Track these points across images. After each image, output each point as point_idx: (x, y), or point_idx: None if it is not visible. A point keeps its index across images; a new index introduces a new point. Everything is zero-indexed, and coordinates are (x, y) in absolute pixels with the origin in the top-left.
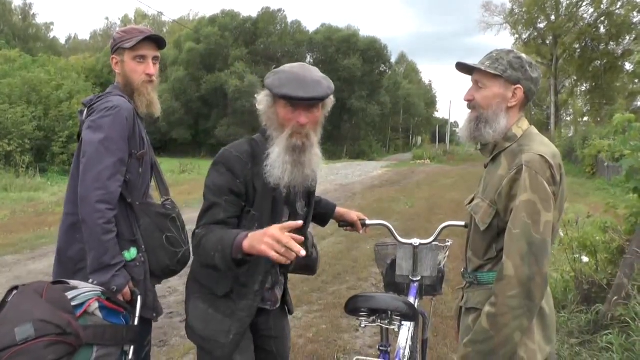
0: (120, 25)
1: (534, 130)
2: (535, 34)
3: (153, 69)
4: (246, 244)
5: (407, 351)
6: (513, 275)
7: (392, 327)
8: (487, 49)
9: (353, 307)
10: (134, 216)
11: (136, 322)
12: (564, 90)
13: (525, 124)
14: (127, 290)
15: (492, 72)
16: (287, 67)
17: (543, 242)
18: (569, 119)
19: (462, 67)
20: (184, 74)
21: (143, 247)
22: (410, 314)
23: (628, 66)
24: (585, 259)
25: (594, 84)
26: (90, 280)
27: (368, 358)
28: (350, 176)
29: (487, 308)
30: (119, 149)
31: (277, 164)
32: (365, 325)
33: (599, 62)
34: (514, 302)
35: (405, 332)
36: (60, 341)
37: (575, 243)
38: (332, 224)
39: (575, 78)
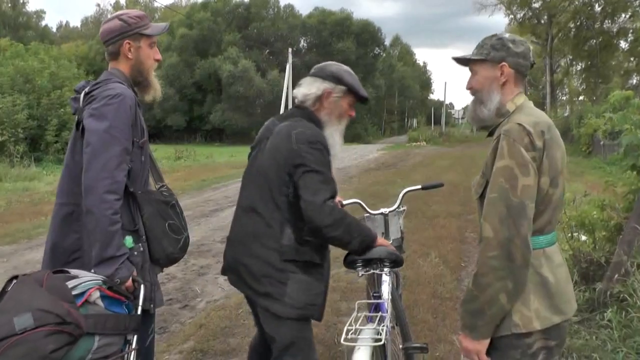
0: (112, 12)
1: (528, 104)
2: (530, 13)
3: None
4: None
5: (389, 304)
6: (492, 237)
7: (383, 272)
8: (481, 29)
9: (351, 260)
10: (135, 205)
11: (139, 311)
12: (559, 69)
13: (520, 99)
14: (129, 282)
15: (477, 57)
16: (347, 69)
17: (521, 205)
18: (564, 98)
19: (458, 60)
20: (177, 60)
21: (143, 237)
22: (397, 260)
23: (623, 44)
24: (583, 237)
25: (589, 62)
26: (93, 272)
27: (367, 301)
28: (347, 159)
29: (473, 270)
30: (124, 137)
31: (338, 144)
32: (362, 274)
33: (594, 40)
34: (494, 263)
35: (386, 287)
36: (60, 330)
37: (573, 222)
38: None
39: (570, 57)
